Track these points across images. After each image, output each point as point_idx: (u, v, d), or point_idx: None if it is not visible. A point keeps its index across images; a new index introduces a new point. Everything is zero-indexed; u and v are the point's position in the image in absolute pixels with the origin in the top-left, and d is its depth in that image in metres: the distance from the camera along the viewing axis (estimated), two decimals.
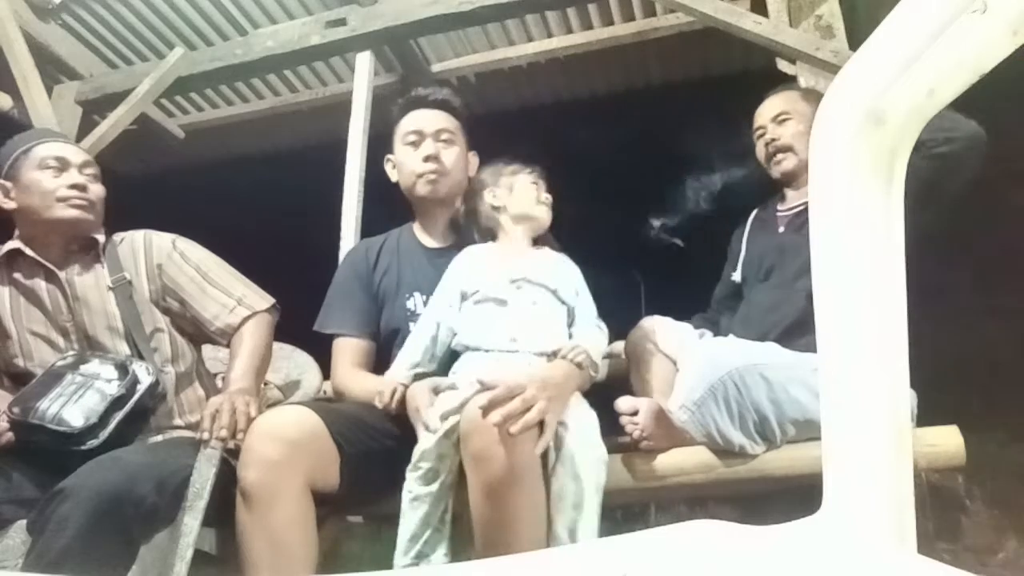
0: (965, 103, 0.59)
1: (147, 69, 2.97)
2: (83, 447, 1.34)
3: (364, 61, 2.77)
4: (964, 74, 0.55)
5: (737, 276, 2.02)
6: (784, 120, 1.96)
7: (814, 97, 1.99)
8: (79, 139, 2.92)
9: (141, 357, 1.55)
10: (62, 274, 1.61)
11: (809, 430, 1.54)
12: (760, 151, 2.03)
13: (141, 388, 1.44)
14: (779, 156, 1.96)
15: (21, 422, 1.37)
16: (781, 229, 1.96)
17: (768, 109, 2.01)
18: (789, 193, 2.00)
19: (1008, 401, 2.45)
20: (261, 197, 4.07)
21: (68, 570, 1.11)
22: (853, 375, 0.58)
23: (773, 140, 1.96)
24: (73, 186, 1.61)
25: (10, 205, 1.62)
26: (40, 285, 1.61)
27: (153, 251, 1.69)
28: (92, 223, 1.65)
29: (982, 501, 1.99)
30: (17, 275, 1.63)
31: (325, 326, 1.74)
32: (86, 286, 1.61)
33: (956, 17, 0.53)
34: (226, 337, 1.65)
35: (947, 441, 1.54)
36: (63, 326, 1.59)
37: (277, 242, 4.28)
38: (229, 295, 1.67)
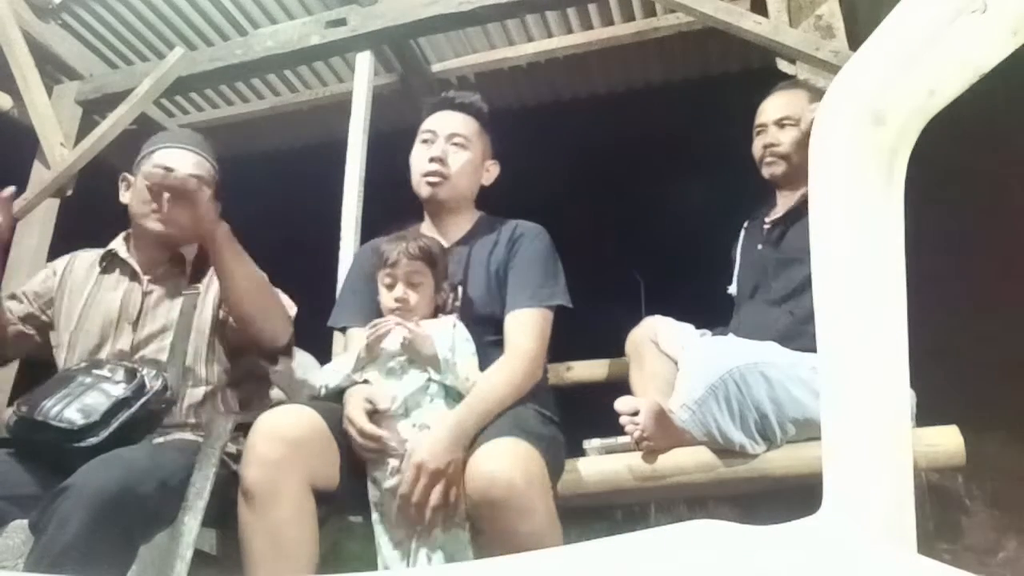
0: (966, 102, 0.59)
1: (147, 69, 2.96)
2: (83, 444, 1.34)
3: (364, 61, 2.76)
4: (964, 74, 0.55)
5: (732, 289, 2.03)
6: (786, 125, 1.96)
7: (820, 99, 1.97)
8: (79, 139, 2.93)
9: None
10: (146, 278, 1.67)
11: (809, 430, 1.54)
12: (757, 149, 2.03)
13: (148, 392, 1.44)
14: (770, 159, 1.96)
15: (27, 419, 1.38)
16: (760, 246, 1.98)
17: (773, 109, 2.00)
18: (779, 199, 2.00)
19: (1008, 401, 2.44)
20: (261, 197, 4.07)
21: (69, 569, 1.11)
22: (853, 375, 0.58)
23: (772, 144, 1.96)
24: None
25: (125, 199, 1.70)
26: (123, 284, 1.67)
27: None
28: (177, 237, 1.67)
29: (982, 501, 1.99)
30: (108, 275, 1.69)
31: (337, 321, 1.75)
32: (163, 294, 1.66)
33: (956, 17, 0.53)
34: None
35: (947, 441, 1.55)
36: (124, 326, 1.62)
37: (277, 242, 4.28)
38: None
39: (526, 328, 1.55)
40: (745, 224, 2.11)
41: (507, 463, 1.21)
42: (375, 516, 1.34)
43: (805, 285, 1.75)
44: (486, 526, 1.22)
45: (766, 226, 1.98)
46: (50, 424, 1.36)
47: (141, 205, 1.65)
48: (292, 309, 1.73)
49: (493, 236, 1.72)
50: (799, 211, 1.88)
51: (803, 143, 1.90)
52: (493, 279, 1.64)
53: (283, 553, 1.22)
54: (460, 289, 1.64)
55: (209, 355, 1.65)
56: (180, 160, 1.69)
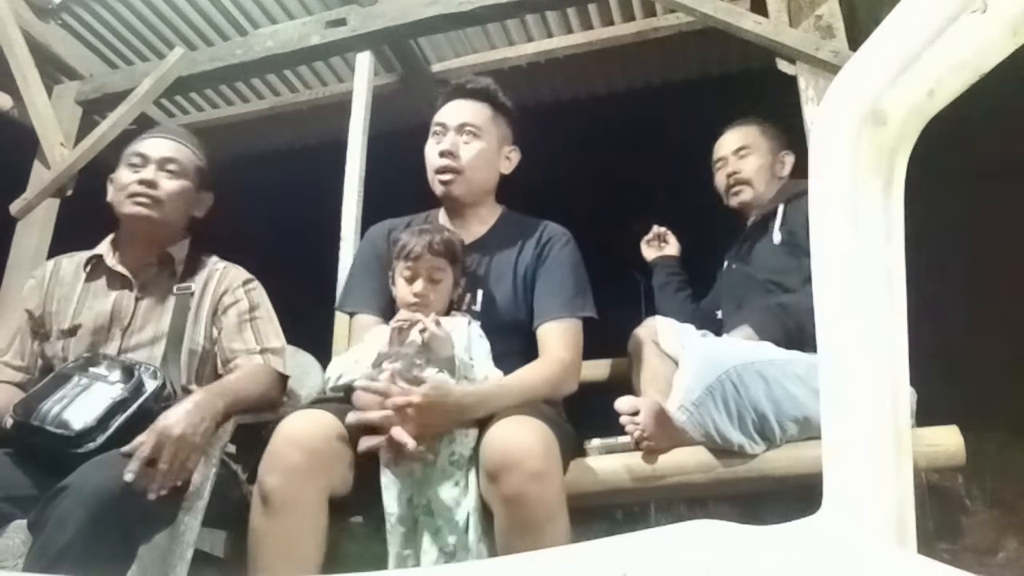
0: (965, 102, 0.59)
1: (147, 69, 2.96)
2: (80, 450, 1.32)
3: (364, 61, 2.76)
4: (964, 74, 0.55)
5: (720, 313, 2.08)
6: (745, 154, 2.10)
7: (771, 133, 2.15)
8: (79, 139, 2.92)
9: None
10: (137, 282, 1.65)
11: (808, 428, 1.54)
12: (720, 181, 2.16)
13: (146, 392, 1.43)
14: (737, 188, 2.09)
15: (22, 423, 1.36)
16: (734, 265, 2.09)
17: (729, 142, 2.14)
18: (749, 222, 2.10)
19: (1008, 401, 2.44)
20: (261, 197, 4.06)
21: (67, 568, 1.10)
22: (853, 375, 0.58)
23: (734, 172, 2.09)
24: (142, 182, 1.64)
25: (110, 199, 1.70)
26: (113, 291, 1.65)
27: (227, 279, 1.71)
28: (159, 222, 1.66)
29: (982, 501, 1.99)
30: (94, 280, 1.67)
31: (344, 305, 1.70)
32: (154, 299, 1.65)
33: (956, 17, 0.53)
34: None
35: (947, 441, 1.55)
36: (116, 331, 1.60)
37: (277, 242, 4.28)
38: (258, 341, 1.65)
39: (563, 338, 1.52)
40: (726, 253, 2.21)
41: (523, 431, 1.21)
42: (393, 530, 1.29)
43: (780, 293, 1.84)
44: (499, 496, 1.19)
45: (735, 246, 2.11)
46: (46, 430, 1.34)
47: (117, 193, 1.65)
48: (286, 372, 1.68)
49: (519, 237, 1.65)
50: (760, 226, 2.02)
51: (762, 168, 2.08)
52: (520, 283, 1.59)
53: (292, 561, 1.20)
54: (480, 291, 1.59)
55: (201, 371, 1.64)
56: (155, 148, 1.68)
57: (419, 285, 1.50)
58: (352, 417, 1.29)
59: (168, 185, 1.67)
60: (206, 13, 3.07)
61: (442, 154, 1.62)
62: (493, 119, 1.68)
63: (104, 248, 1.70)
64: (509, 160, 1.73)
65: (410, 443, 1.24)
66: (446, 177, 1.63)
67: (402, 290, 1.53)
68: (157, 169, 1.66)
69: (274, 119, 3.69)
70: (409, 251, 1.51)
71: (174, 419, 1.32)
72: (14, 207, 2.83)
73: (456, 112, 1.66)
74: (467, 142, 1.64)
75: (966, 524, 1.92)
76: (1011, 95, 1.80)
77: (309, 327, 2.00)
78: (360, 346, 1.53)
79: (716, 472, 1.57)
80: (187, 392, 1.57)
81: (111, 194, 1.69)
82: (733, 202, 2.12)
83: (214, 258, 1.76)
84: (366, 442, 1.28)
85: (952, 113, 0.58)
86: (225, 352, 1.63)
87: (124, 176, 1.66)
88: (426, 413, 1.27)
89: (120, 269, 1.66)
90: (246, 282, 1.73)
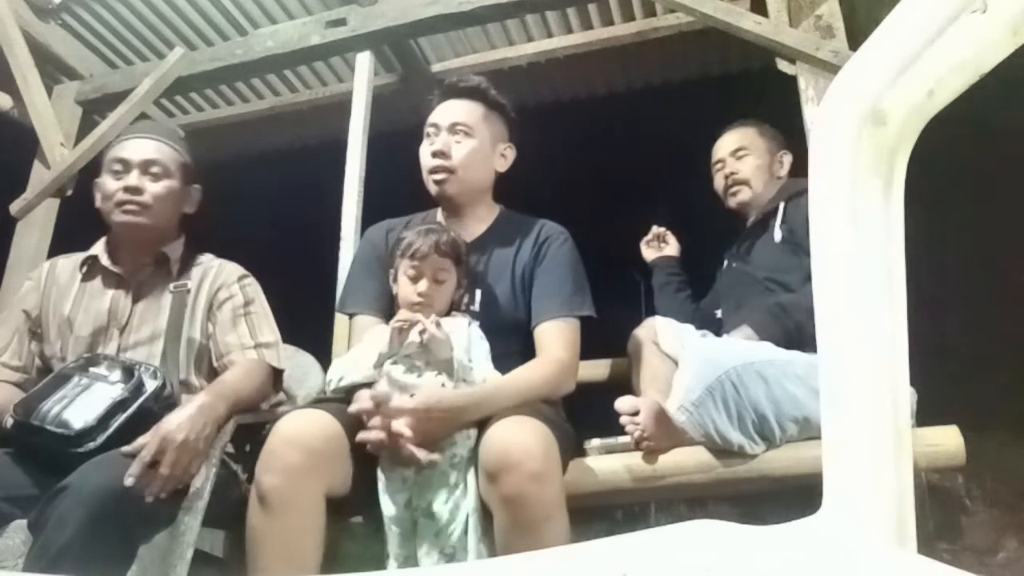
0: (966, 102, 0.59)
1: (147, 69, 2.96)
2: (80, 449, 1.32)
3: (364, 61, 2.76)
4: (964, 74, 0.55)
5: (719, 312, 2.09)
6: (743, 155, 2.12)
7: (769, 133, 2.17)
8: (79, 139, 2.93)
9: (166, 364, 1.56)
10: (133, 282, 1.65)
11: (808, 428, 1.54)
12: (719, 183, 2.18)
13: (146, 392, 1.43)
14: (735, 188, 2.12)
15: (23, 423, 1.36)
16: (734, 264, 2.11)
17: (727, 144, 2.17)
18: (749, 221, 2.12)
19: (1008, 401, 2.44)
20: (261, 197, 4.07)
21: (67, 568, 1.10)
22: (853, 375, 0.58)
23: (732, 173, 2.12)
24: (127, 189, 1.62)
25: (97, 205, 1.68)
26: (109, 291, 1.64)
27: (222, 275, 1.71)
28: (150, 227, 1.65)
29: (982, 501, 1.99)
30: (90, 280, 1.67)
31: (344, 306, 1.70)
32: (151, 297, 1.64)
33: (956, 17, 0.53)
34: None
35: (947, 441, 1.55)
36: (113, 331, 1.60)
37: (277, 242, 4.28)
38: (252, 336, 1.65)
39: (561, 337, 1.52)
40: (726, 253, 2.22)
41: (522, 431, 1.21)
42: (391, 532, 1.30)
43: (780, 292, 1.85)
44: (499, 497, 1.19)
45: (735, 246, 2.13)
46: (47, 429, 1.34)
47: (105, 201, 1.64)
48: (280, 366, 1.68)
49: (516, 236, 1.65)
50: (761, 225, 2.03)
51: (760, 168, 2.10)
52: (518, 282, 1.59)
53: (291, 560, 1.20)
54: (478, 291, 1.59)
55: (199, 364, 1.63)
56: (135, 151, 1.66)
57: (423, 285, 1.49)
58: (362, 436, 1.29)
59: (154, 188, 1.65)
60: (206, 13, 3.07)
61: (434, 154, 1.63)
62: (485, 117, 1.69)
63: (99, 249, 1.69)
64: (504, 158, 1.73)
65: (422, 456, 1.25)
66: (439, 177, 1.63)
67: (405, 289, 1.52)
68: (140, 174, 1.64)
69: (274, 119, 3.69)
70: (415, 250, 1.50)
71: (177, 424, 1.32)
72: (14, 207, 2.83)
73: (448, 112, 1.67)
74: (459, 141, 1.64)
75: (966, 524, 1.92)
76: (1011, 95, 1.80)
77: (309, 327, 2.00)
78: (360, 346, 1.52)
79: (716, 472, 1.57)
80: (186, 385, 1.58)
81: (98, 201, 1.68)
82: (732, 203, 2.14)
83: (209, 255, 1.76)
84: (364, 435, 1.29)
85: (952, 113, 0.58)
86: (219, 346, 1.64)
87: (108, 184, 1.64)
88: (424, 421, 1.27)
89: (115, 270, 1.66)
90: (241, 277, 1.73)
